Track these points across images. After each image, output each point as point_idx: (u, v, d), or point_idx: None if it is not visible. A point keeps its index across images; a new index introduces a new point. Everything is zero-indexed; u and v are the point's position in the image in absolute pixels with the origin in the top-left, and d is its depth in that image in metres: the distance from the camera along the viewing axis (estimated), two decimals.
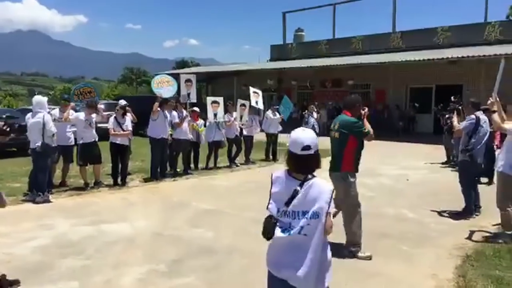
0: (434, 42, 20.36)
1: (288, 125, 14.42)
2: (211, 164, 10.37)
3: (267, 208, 2.34)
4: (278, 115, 11.66)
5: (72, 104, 8.04)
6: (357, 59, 20.61)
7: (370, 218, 5.77)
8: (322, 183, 2.31)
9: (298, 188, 2.28)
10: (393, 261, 4.40)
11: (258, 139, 12.03)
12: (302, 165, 2.33)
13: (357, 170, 4.58)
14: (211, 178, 9.24)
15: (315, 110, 13.29)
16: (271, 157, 11.81)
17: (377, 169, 9.86)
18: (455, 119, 6.51)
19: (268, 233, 2.29)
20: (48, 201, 6.73)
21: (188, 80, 9.60)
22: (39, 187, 6.76)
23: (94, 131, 7.90)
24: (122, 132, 8.04)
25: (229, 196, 7.45)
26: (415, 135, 18.31)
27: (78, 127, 7.80)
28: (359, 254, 4.41)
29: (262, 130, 11.89)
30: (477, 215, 6.01)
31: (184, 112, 9.25)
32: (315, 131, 12.12)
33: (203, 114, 10.22)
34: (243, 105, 11.06)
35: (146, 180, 8.61)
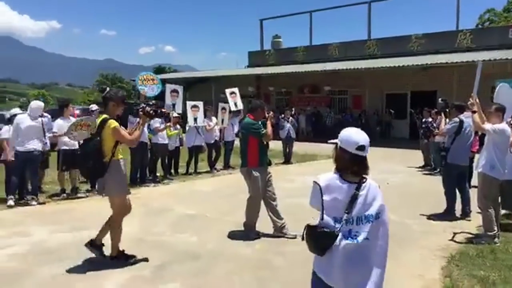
0: (408, 49, 20.80)
1: None
2: (191, 169, 10.26)
3: (322, 220, 2.10)
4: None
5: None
6: (334, 65, 20.87)
7: None
8: (373, 183, 2.18)
9: (357, 191, 2.10)
10: None
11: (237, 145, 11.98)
12: (363, 166, 2.16)
13: (263, 166, 5.21)
14: (192, 183, 9.13)
15: (290, 115, 13.24)
16: None
17: None
18: (442, 121, 6.59)
19: (325, 247, 2.07)
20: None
21: (174, 91, 9.44)
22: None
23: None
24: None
25: (211, 201, 7.37)
26: (392, 140, 18.64)
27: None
28: (287, 233, 5.16)
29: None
30: (468, 220, 5.97)
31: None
32: (290, 136, 12.24)
33: (182, 120, 10.08)
34: (224, 108, 11.01)
35: None
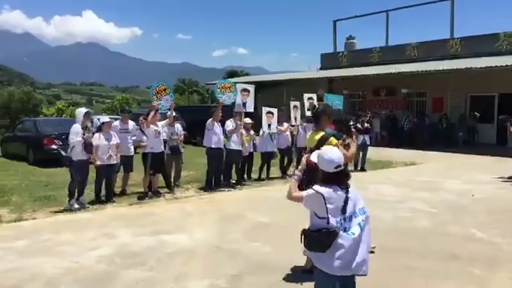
0: (496, 49, 19.27)
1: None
2: (263, 175, 10.34)
3: (328, 223, 2.64)
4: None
5: (155, 103, 8.06)
6: (412, 66, 19.93)
7: (435, 236, 5.50)
8: (353, 187, 2.80)
9: (347, 195, 2.71)
10: (465, 286, 4.12)
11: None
12: (345, 176, 2.78)
13: None
14: (265, 189, 9.20)
15: (365, 120, 12.76)
16: None
17: (438, 183, 9.40)
18: None
19: (329, 244, 2.61)
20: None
21: (245, 90, 9.56)
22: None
23: (162, 141, 8.16)
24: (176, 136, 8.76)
25: (283, 208, 7.30)
26: (477, 146, 17.33)
27: (148, 136, 7.96)
28: None
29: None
30: None
31: (238, 122, 9.25)
32: (365, 143, 11.73)
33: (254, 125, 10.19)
34: (296, 106, 10.98)
35: (201, 190, 8.73)
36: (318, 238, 2.62)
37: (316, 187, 2.71)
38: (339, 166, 2.70)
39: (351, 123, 4.22)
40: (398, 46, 24.27)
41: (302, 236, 2.72)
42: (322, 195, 2.65)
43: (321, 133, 4.11)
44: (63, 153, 7.20)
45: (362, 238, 2.67)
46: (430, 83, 19.81)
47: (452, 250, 5.07)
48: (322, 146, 3.83)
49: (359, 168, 11.81)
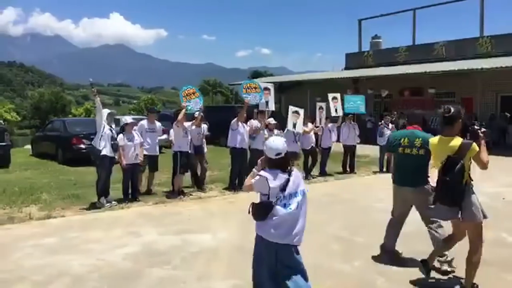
0: None
1: (364, 136, 13.96)
2: None
3: (268, 199, 3.17)
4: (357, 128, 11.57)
5: (184, 105, 8.23)
6: (440, 66, 19.47)
7: (466, 241, 5.31)
8: (298, 172, 3.32)
9: (288, 177, 3.19)
10: None
11: (336, 151, 11.78)
12: (285, 162, 3.26)
13: None
14: None
15: (391, 121, 12.54)
16: (348, 169, 11.48)
17: None
18: None
19: (265, 214, 3.13)
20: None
21: (266, 89, 9.58)
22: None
23: (189, 141, 8.23)
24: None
25: (307, 209, 7.30)
26: (508, 147, 16.78)
27: (176, 136, 8.10)
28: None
29: (338, 141, 11.67)
30: None
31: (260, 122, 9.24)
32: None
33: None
34: (321, 108, 10.89)
35: (225, 190, 8.76)
36: (257, 209, 3.18)
37: (262, 172, 3.25)
38: (279, 153, 3.21)
39: (476, 126, 3.93)
40: (426, 45, 23.80)
41: (250, 208, 3.21)
42: (266, 178, 3.18)
43: (458, 139, 3.79)
44: (95, 146, 7.24)
45: (300, 213, 3.19)
46: (459, 82, 19.32)
47: (483, 255, 4.90)
48: (465, 153, 3.70)
49: (384, 170, 11.61)
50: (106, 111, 7.44)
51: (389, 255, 4.82)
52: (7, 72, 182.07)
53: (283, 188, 3.16)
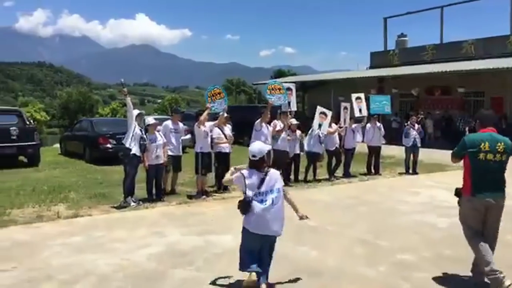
0: None
1: (388, 136, 13.70)
2: (310, 177, 10.23)
3: (244, 193, 3.82)
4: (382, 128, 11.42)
5: (209, 105, 8.32)
6: (468, 65, 18.96)
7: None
8: (275, 172, 3.93)
9: (264, 176, 3.82)
10: None
11: (360, 152, 11.63)
12: (260, 164, 3.88)
13: None
14: (311, 191, 9.09)
15: (417, 121, 12.24)
16: (372, 170, 11.32)
17: None
18: None
19: (246, 209, 3.78)
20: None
21: (288, 89, 9.53)
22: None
23: (210, 141, 8.29)
24: (225, 140, 8.52)
25: (331, 211, 7.24)
26: None
27: (198, 136, 8.16)
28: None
29: (363, 141, 11.53)
30: None
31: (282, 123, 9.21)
32: (416, 144, 11.02)
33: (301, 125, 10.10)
34: (346, 108, 10.78)
35: None
36: (240, 204, 3.80)
37: (242, 170, 3.86)
38: (254, 156, 3.83)
39: None
40: (454, 43, 23.23)
41: (238, 204, 3.82)
42: (243, 175, 3.82)
43: None
44: (126, 145, 7.30)
45: (274, 208, 3.78)
46: (488, 82, 18.77)
47: (510, 260, 4.75)
48: None
49: (410, 172, 11.40)
50: (136, 112, 7.56)
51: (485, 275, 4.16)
52: (38, 72, 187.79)
53: (258, 185, 3.77)
